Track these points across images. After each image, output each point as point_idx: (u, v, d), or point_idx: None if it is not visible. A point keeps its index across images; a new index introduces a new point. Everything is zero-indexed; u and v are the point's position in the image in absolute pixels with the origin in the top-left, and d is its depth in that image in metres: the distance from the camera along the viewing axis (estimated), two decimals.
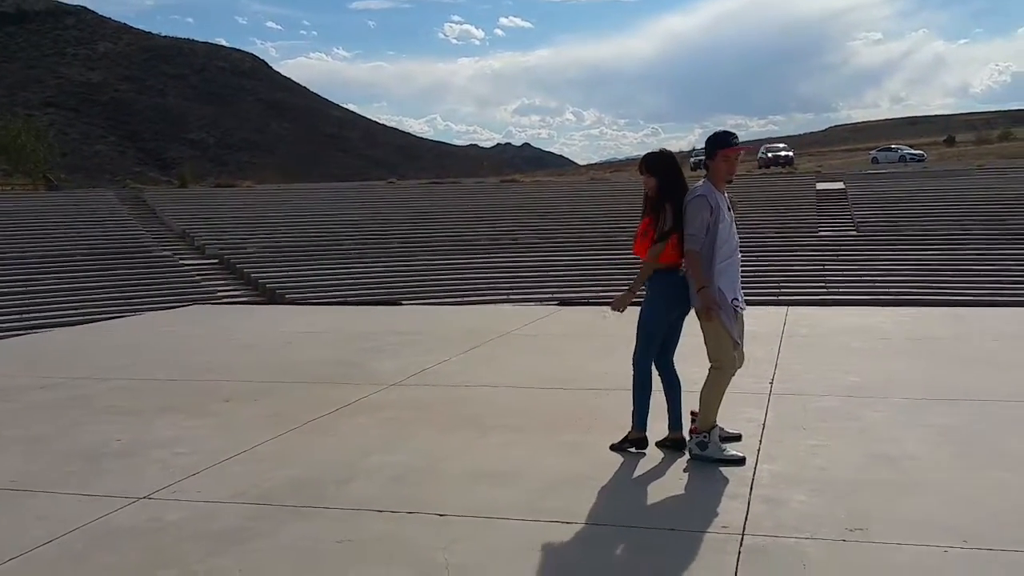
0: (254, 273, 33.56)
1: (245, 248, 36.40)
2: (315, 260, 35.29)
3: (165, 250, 36.19)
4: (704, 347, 5.30)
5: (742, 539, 4.09)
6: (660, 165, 5.29)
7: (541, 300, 24.12)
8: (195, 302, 23.50)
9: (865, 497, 4.59)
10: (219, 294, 30.75)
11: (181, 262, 35.08)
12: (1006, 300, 23.55)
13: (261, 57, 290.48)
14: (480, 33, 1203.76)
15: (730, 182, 5.32)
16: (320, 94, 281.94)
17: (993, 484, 4.75)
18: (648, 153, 5.38)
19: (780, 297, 23.91)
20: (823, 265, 32.89)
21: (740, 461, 5.17)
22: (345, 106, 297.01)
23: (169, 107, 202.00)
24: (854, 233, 36.45)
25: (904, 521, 4.26)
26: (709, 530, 4.22)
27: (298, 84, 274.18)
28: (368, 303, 18.50)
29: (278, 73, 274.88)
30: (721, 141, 5.27)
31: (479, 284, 32.31)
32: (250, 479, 5.22)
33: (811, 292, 28.36)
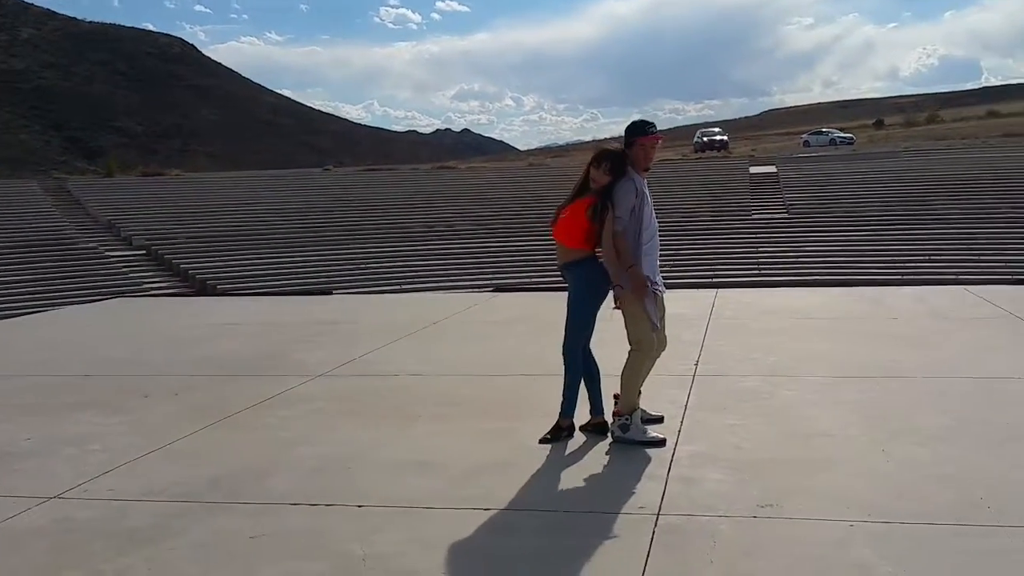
0: (183, 264, 32.98)
1: (174, 238, 35.74)
2: (247, 250, 34.81)
3: (90, 242, 35.37)
4: (624, 331, 5.38)
5: (657, 519, 4.17)
6: (621, 168, 5.29)
7: (478, 287, 24.11)
8: (122, 295, 23.01)
9: (778, 474, 4.71)
10: (146, 286, 30.15)
11: (107, 254, 34.32)
12: (925, 279, 24.19)
13: (190, 42, 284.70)
14: (417, 17, 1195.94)
15: (647, 170, 5.39)
16: (252, 79, 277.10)
17: (900, 459, 4.91)
18: (613, 153, 5.30)
19: (713, 279, 24.29)
20: (756, 247, 33.50)
21: (661, 443, 5.26)
22: (279, 92, 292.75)
23: (95, 94, 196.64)
24: (785, 215, 37.19)
25: (814, 497, 4.38)
26: (626, 511, 4.29)
27: (229, 69, 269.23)
28: (301, 293, 18.28)
29: (208, 58, 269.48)
30: (638, 130, 5.35)
31: (414, 272, 32.21)
32: (165, 476, 5.13)
33: (744, 274, 28.88)
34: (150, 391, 7.31)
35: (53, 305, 21.53)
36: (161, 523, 4.43)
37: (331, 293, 17.22)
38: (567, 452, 5.26)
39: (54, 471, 5.30)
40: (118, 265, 33.28)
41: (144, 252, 34.77)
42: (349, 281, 30.57)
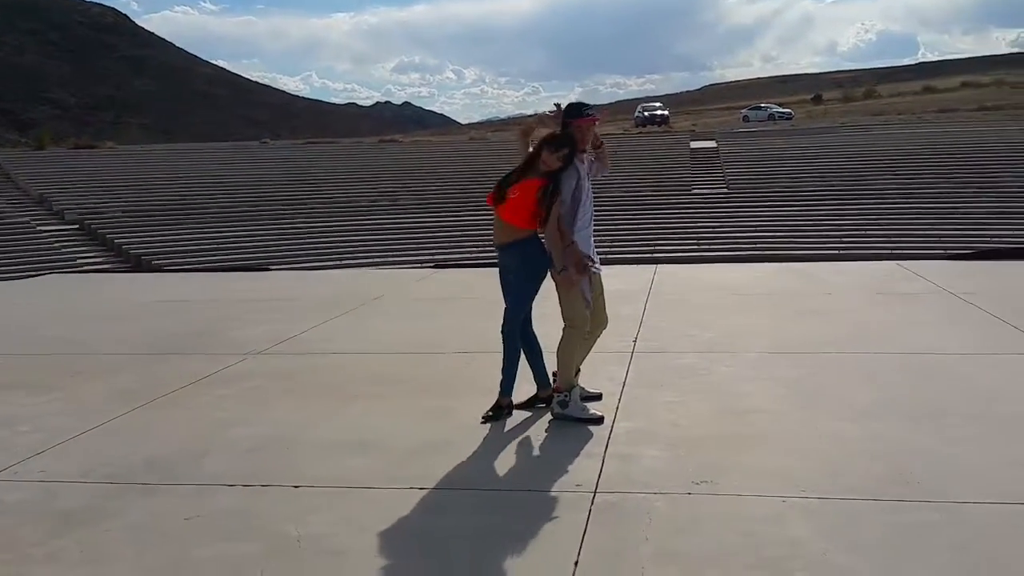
0: (117, 239, 32.26)
1: (108, 213, 34.92)
2: (183, 224, 34.16)
3: (22, 216, 34.37)
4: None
5: (594, 496, 4.20)
6: (572, 158, 5.23)
7: (419, 263, 23.98)
8: (54, 271, 22.42)
9: (714, 451, 4.77)
10: (79, 262, 29.46)
11: (39, 228, 33.43)
12: (861, 254, 24.75)
13: (123, 12, 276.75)
14: None
15: (584, 151, 5.37)
16: (187, 50, 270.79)
17: (832, 434, 5.01)
18: (572, 141, 5.20)
19: (654, 255, 24.51)
20: (696, 222, 33.85)
21: (599, 420, 5.30)
22: (214, 62, 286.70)
23: (26, 65, 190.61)
24: (725, 191, 37.62)
25: (748, 473, 4.44)
26: (563, 489, 4.31)
27: (163, 39, 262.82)
28: (237, 269, 18.02)
29: (142, 28, 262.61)
30: (575, 112, 5.35)
31: (354, 248, 31.95)
32: (98, 457, 5.03)
33: (684, 249, 29.19)
34: (82, 370, 7.15)
35: None
36: (95, 505, 4.35)
37: (268, 269, 16.99)
38: (506, 430, 5.27)
39: None
40: (50, 240, 32.42)
41: (77, 227, 33.91)
42: (288, 257, 30.20)
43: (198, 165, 42.08)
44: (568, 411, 5.34)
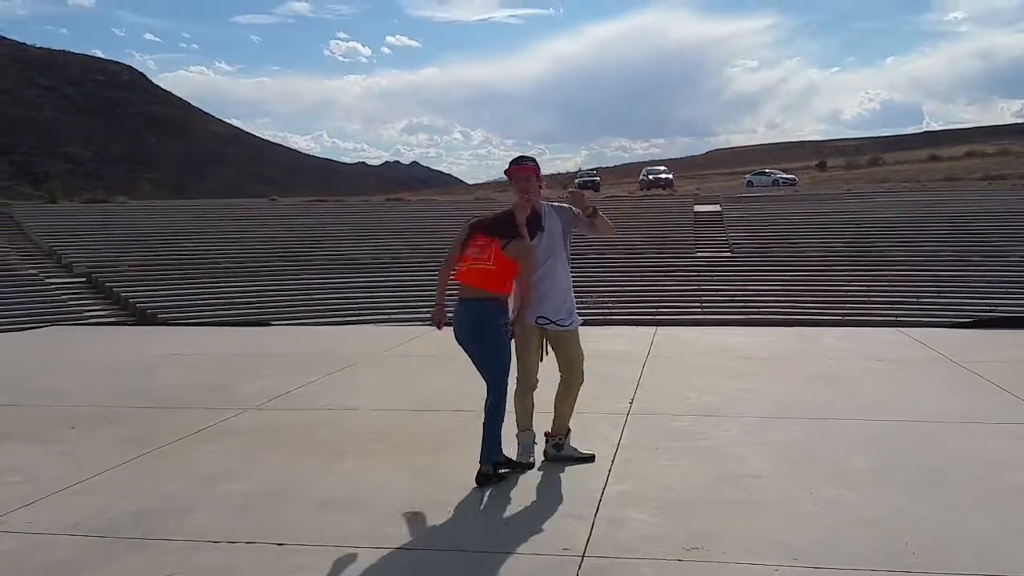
0: (124, 292, 32.32)
1: (116, 266, 35.05)
2: (189, 279, 34.25)
3: (31, 268, 34.51)
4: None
5: (582, 561, 4.12)
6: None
7: (421, 321, 23.96)
8: (60, 323, 22.45)
9: (707, 516, 4.69)
10: (86, 314, 29.47)
11: (47, 281, 33.51)
12: (864, 320, 24.70)
13: (139, 70, 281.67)
14: (367, 51, 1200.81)
15: (529, 201, 5.32)
16: (201, 108, 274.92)
17: (828, 501, 4.93)
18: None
19: (657, 317, 24.45)
20: (699, 285, 33.83)
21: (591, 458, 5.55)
22: (227, 121, 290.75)
23: (43, 120, 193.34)
24: (729, 254, 37.65)
25: (741, 539, 4.36)
26: (551, 552, 4.23)
27: (178, 98, 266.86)
28: (241, 324, 18.02)
29: (157, 86, 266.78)
30: (511, 164, 5.42)
31: (358, 304, 31.93)
32: (87, 510, 4.99)
33: (687, 312, 29.07)
34: (78, 422, 7.13)
35: None
36: (77, 558, 4.30)
37: (269, 324, 16.97)
38: (495, 490, 5.18)
39: None
40: (57, 293, 32.48)
41: (85, 280, 34.01)
42: (292, 312, 30.19)
43: (206, 221, 42.35)
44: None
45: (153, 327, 19.66)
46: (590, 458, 5.64)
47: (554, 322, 5.43)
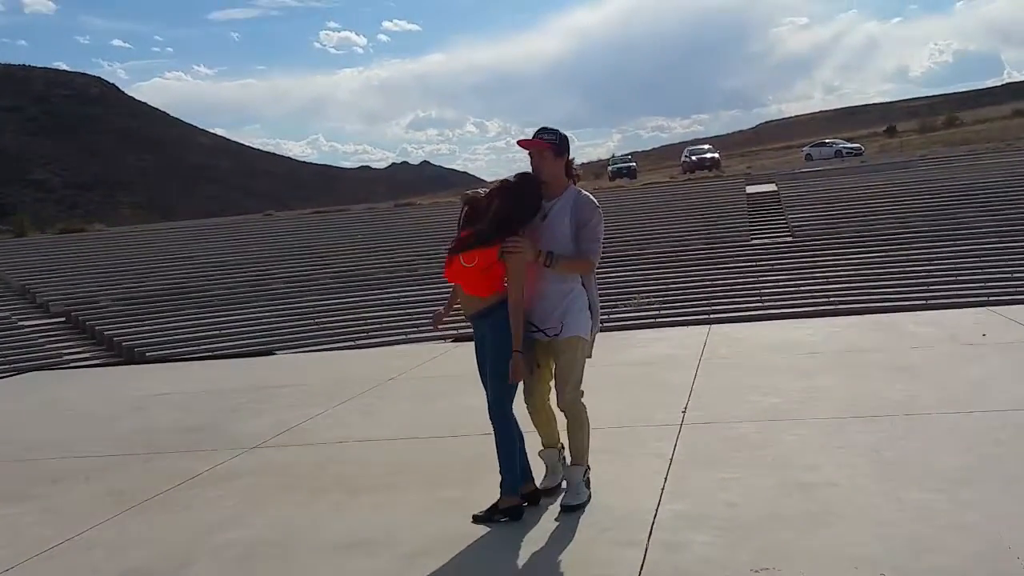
0: (107, 331, 32.78)
1: (97, 302, 35.54)
2: (180, 311, 34.66)
3: (2, 311, 35.06)
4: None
5: None
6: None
7: (441, 337, 24.05)
8: (38, 368, 22.75)
9: (776, 533, 4.64)
10: (66, 357, 29.93)
11: (20, 323, 34.03)
12: (950, 302, 24.40)
13: (110, 80, 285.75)
14: (362, 40, 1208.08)
15: (544, 182, 5.21)
16: (182, 119, 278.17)
17: (917, 506, 4.87)
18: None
19: (710, 315, 24.36)
20: (757, 277, 33.66)
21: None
22: (212, 131, 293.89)
23: (5, 145, 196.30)
24: (789, 239, 37.45)
25: (817, 557, 4.32)
26: None
27: (156, 109, 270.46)
28: (240, 355, 18.19)
29: (131, 98, 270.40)
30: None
31: (372, 325, 32.17)
32: (73, 571, 5.06)
33: (744, 308, 28.96)
34: (61, 475, 7.22)
35: None
36: None
37: (273, 353, 17.10)
38: (531, 520, 5.16)
39: None
40: (33, 336, 33.00)
41: (63, 319, 34.53)
42: (297, 339, 30.45)
43: (195, 244, 42.86)
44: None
45: (142, 366, 19.86)
46: (578, 507, 5.26)
47: (541, 331, 5.24)
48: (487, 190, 5.34)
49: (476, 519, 5.22)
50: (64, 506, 6.40)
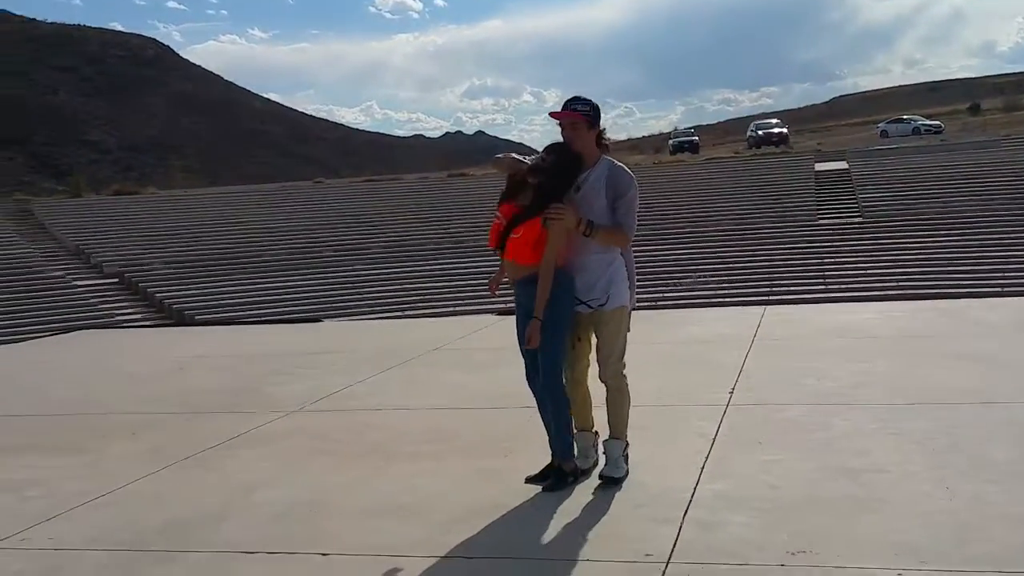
0: (159, 293, 33.39)
1: (150, 265, 36.23)
2: (230, 275, 35.19)
3: (56, 270, 35.89)
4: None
5: (666, 567, 4.15)
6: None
7: (488, 310, 24.18)
8: (91, 327, 23.29)
9: (816, 517, 4.66)
10: (119, 318, 30.56)
11: (75, 283, 34.80)
12: None
13: (165, 43, 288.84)
14: (418, 4, 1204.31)
15: (578, 154, 5.22)
16: (236, 83, 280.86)
17: (967, 496, 4.83)
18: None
19: (770, 296, 24.18)
20: (823, 258, 33.30)
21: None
22: (266, 96, 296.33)
23: (60, 106, 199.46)
24: (859, 220, 36.95)
25: (857, 541, 4.32)
26: (630, 559, 4.27)
27: (210, 72, 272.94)
28: (287, 321, 18.48)
29: (186, 60, 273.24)
30: None
31: (420, 295, 32.41)
32: (112, 523, 5.25)
33: (808, 290, 28.69)
34: (106, 431, 7.45)
35: (14, 340, 21.81)
36: (101, 575, 4.52)
37: (320, 320, 17.35)
38: (569, 493, 5.23)
39: None
40: (87, 296, 33.74)
41: (116, 280, 35.25)
42: (344, 307, 30.80)
43: (246, 210, 43.42)
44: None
45: (191, 328, 20.27)
46: (617, 480, 5.33)
47: (584, 303, 5.28)
48: (529, 159, 5.35)
49: (537, 483, 5.28)
50: (106, 461, 6.62)
